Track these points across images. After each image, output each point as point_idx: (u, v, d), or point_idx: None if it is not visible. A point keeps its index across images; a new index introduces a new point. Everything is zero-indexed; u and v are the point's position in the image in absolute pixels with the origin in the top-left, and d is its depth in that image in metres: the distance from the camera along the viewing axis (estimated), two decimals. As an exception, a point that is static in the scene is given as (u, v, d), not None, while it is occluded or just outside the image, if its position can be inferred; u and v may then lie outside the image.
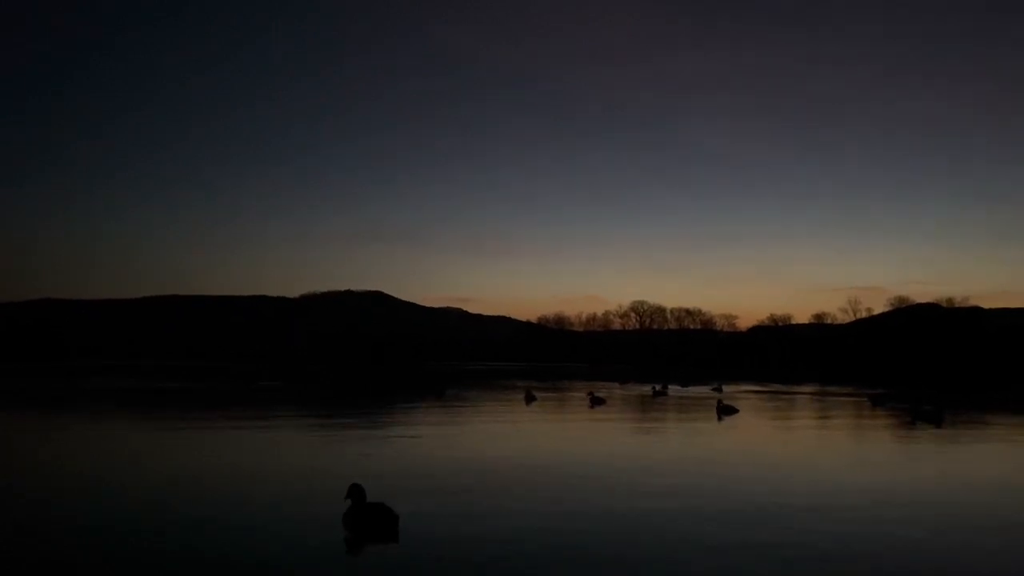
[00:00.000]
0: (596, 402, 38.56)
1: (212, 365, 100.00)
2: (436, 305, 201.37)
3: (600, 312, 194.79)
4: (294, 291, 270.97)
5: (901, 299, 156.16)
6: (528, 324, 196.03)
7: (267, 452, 19.41)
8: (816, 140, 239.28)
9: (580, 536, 10.64)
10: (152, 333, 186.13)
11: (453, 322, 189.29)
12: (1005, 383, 69.84)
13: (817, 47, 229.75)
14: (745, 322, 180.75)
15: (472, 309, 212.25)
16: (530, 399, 40.36)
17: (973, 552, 10.24)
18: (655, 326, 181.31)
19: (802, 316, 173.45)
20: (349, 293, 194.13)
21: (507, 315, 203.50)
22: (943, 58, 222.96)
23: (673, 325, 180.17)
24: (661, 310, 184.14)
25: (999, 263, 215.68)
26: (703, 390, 52.31)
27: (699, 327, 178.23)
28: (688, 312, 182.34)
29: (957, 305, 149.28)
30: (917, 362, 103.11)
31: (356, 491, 11.09)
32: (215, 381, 57.86)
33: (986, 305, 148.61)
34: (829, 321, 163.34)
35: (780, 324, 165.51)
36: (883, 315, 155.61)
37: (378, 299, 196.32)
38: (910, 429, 27.87)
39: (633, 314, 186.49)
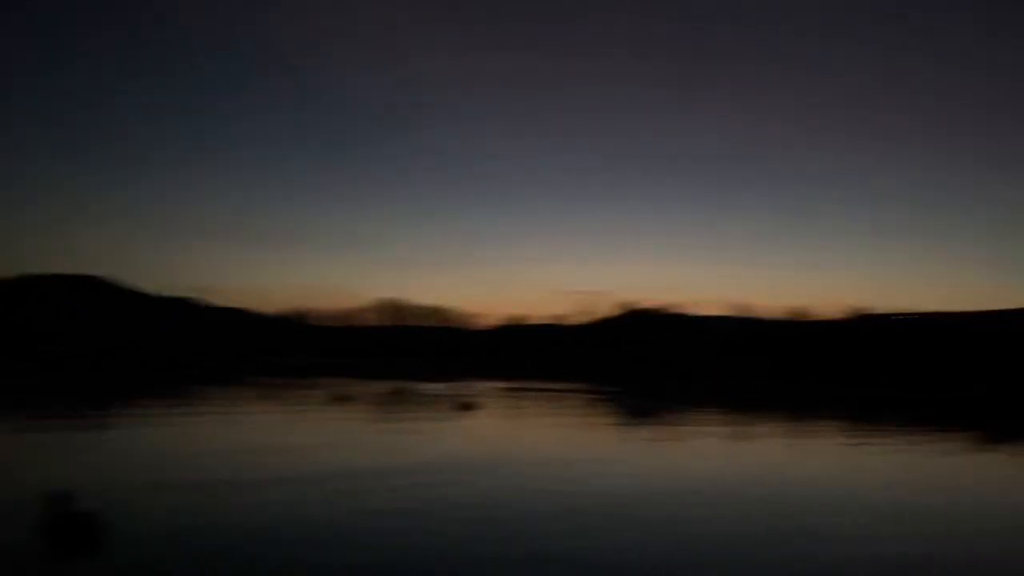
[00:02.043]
0: (338, 399, 37.14)
1: None
2: (165, 294, 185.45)
3: (346, 307, 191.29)
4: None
5: (627, 304, 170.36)
6: (267, 317, 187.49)
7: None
8: (559, 145, 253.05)
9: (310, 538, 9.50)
10: None
11: (184, 314, 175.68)
12: (713, 381, 78.01)
13: (566, 47, 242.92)
14: (487, 320, 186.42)
15: (206, 300, 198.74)
16: (269, 397, 38.00)
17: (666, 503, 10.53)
18: (401, 322, 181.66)
19: (540, 316, 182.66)
20: (56, 277, 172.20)
21: (245, 307, 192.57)
22: (664, 73, 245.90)
23: (419, 322, 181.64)
24: (408, 307, 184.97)
25: (706, 274, 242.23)
26: (445, 387, 52.58)
27: (443, 324, 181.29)
28: (434, 309, 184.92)
29: (674, 311, 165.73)
30: (639, 361, 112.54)
31: (58, 497, 9.80)
32: None
33: (697, 311, 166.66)
34: (564, 322, 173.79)
35: (519, 324, 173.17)
36: (612, 318, 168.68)
37: (93, 285, 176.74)
38: (630, 423, 29.65)
39: (380, 310, 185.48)
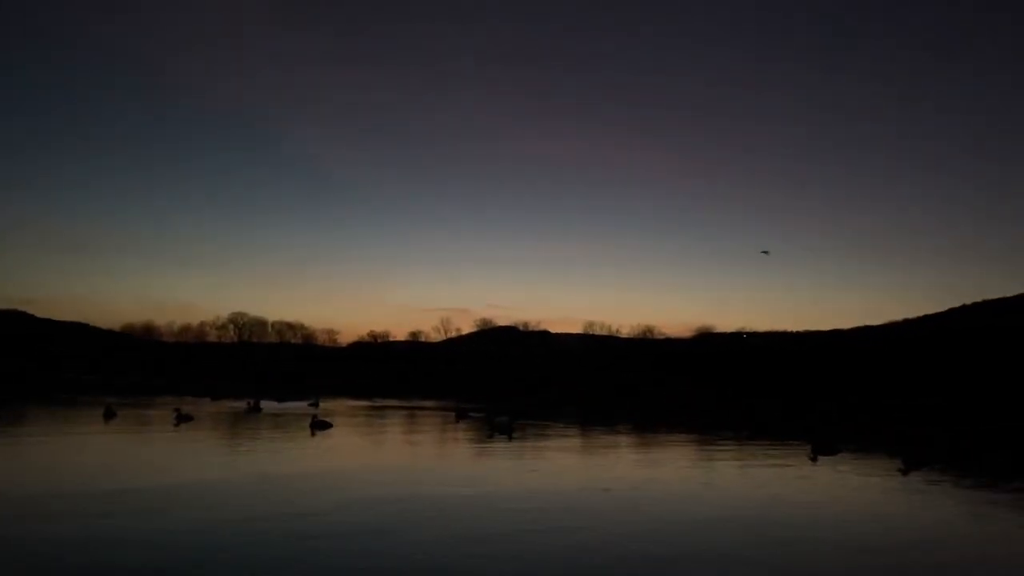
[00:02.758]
0: (183, 419, 36.05)
1: None
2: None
3: (195, 322, 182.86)
4: None
5: (485, 321, 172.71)
6: (111, 332, 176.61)
7: None
8: (419, 169, 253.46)
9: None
10: None
11: (14, 326, 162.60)
12: (567, 396, 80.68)
13: (429, 69, 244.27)
14: (346, 337, 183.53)
15: (40, 313, 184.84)
16: (109, 416, 36.45)
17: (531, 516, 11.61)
18: (255, 339, 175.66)
19: (400, 333, 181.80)
20: None
21: (85, 321, 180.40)
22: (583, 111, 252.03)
23: (274, 339, 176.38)
24: (262, 323, 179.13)
25: (560, 292, 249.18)
26: (300, 405, 51.91)
27: (300, 341, 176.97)
28: (290, 326, 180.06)
29: (531, 328, 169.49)
30: (496, 377, 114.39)
31: None
32: None
33: (552, 329, 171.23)
34: (423, 339, 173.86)
35: (379, 340, 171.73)
36: (470, 335, 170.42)
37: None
38: (487, 439, 30.75)
39: (231, 326, 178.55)
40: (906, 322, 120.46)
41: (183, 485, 17.04)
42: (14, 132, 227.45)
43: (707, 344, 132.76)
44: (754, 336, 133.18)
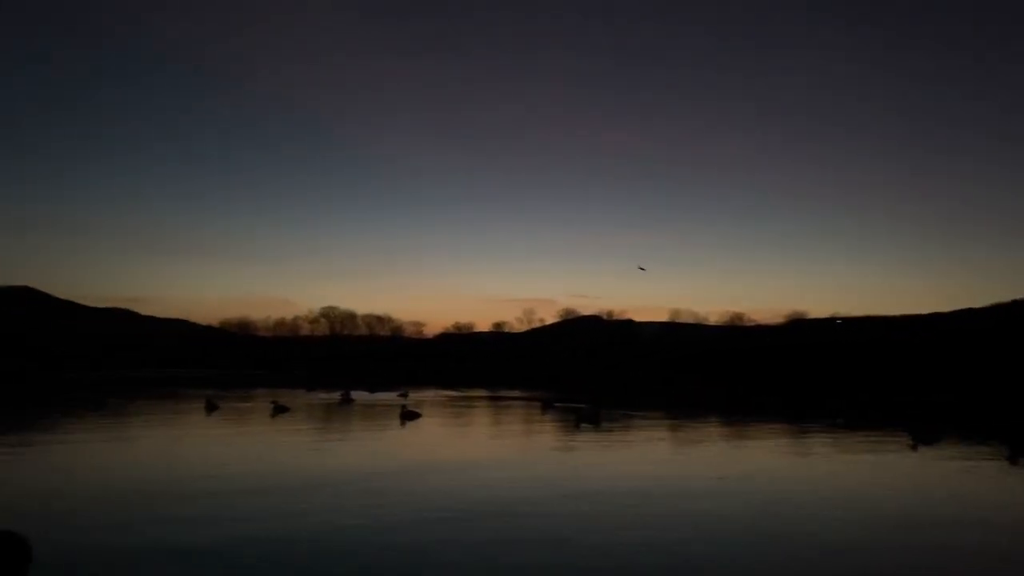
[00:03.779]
0: (279, 410, 37.27)
1: None
2: (100, 305, 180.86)
3: (289, 317, 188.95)
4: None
5: (569, 311, 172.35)
6: (208, 328, 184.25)
7: None
8: (503, 161, 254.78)
9: (239, 556, 10.12)
10: None
11: (121, 324, 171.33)
12: (653, 385, 79.80)
13: (508, 61, 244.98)
14: (432, 329, 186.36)
15: (144, 311, 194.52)
16: (211, 408, 38.04)
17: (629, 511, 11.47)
18: (345, 332, 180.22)
19: (484, 324, 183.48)
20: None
21: (185, 318, 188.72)
22: (613, 99, 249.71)
23: (363, 331, 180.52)
24: (352, 316, 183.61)
25: (645, 281, 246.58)
26: (390, 396, 52.95)
27: (388, 334, 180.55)
28: (378, 319, 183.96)
29: (615, 317, 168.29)
30: (581, 367, 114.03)
31: None
32: None
33: (637, 317, 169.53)
34: (507, 329, 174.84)
35: (464, 332, 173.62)
36: (554, 325, 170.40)
37: (27, 295, 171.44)
38: (574, 428, 30.65)
39: (323, 319, 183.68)
40: (1015, 303, 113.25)
41: (292, 473, 17.56)
42: (116, 147, 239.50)
43: (799, 331, 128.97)
44: (849, 321, 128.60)
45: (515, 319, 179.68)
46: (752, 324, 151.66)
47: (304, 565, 9.75)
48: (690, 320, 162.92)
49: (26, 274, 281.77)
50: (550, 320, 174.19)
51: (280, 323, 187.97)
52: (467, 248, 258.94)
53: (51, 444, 22.89)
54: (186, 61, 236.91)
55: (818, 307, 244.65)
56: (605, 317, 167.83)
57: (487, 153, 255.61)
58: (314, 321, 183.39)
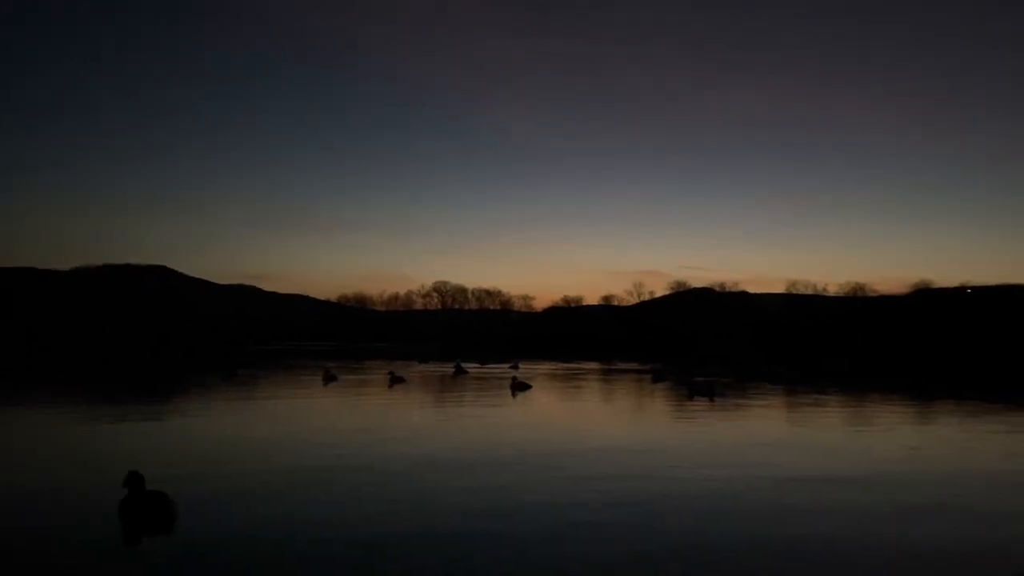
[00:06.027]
0: (396, 381, 38.40)
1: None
2: (228, 282, 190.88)
3: (402, 292, 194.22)
4: (66, 263, 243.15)
5: (680, 283, 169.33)
6: (327, 303, 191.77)
7: (41, 439, 17.79)
8: (610, 131, 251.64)
9: (369, 523, 10.46)
10: None
11: (247, 300, 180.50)
12: (769, 360, 77.63)
13: (621, 37, 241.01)
14: (541, 303, 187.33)
15: (267, 287, 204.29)
16: (329, 379, 39.60)
17: (745, 486, 11.25)
18: (456, 306, 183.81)
19: (592, 297, 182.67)
20: (129, 267, 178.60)
21: (305, 293, 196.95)
22: (748, 55, 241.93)
23: (474, 305, 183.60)
24: (462, 290, 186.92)
25: (760, 252, 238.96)
26: (501, 367, 53.65)
27: (498, 307, 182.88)
28: (488, 293, 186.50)
29: (728, 289, 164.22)
30: (693, 339, 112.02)
31: (133, 479, 10.41)
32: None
33: (752, 289, 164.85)
34: (616, 302, 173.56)
35: (573, 304, 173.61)
36: (664, 297, 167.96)
37: (163, 274, 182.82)
38: (687, 400, 30.19)
39: (435, 294, 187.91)
40: None
41: (426, 444, 18.11)
42: (244, 136, 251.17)
43: (926, 301, 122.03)
44: (980, 291, 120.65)
45: (624, 292, 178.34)
46: (875, 294, 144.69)
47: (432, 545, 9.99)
48: (808, 291, 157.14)
49: (161, 254, 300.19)
50: (660, 293, 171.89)
51: (394, 297, 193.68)
52: (575, 220, 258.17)
53: (188, 414, 24.35)
54: (294, 47, 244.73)
55: (946, 276, 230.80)
56: (717, 289, 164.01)
57: (594, 123, 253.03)
58: (426, 295, 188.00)
